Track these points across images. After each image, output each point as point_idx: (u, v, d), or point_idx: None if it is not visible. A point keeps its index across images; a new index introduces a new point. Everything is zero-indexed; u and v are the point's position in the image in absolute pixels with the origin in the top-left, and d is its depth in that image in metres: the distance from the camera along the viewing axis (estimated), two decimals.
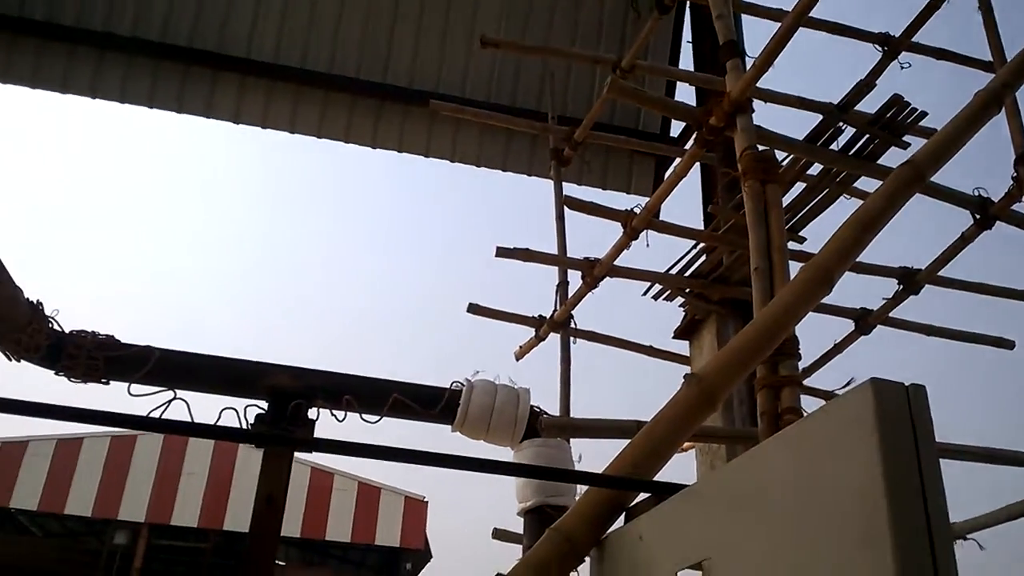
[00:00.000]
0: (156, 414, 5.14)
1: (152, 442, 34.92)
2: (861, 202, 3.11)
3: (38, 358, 4.72)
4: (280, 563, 37.91)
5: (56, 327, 4.90)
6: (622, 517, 2.54)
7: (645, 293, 6.25)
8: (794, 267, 3.45)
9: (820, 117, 5.09)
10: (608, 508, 2.47)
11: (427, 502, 36.54)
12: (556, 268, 6.38)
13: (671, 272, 6.07)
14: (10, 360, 4.64)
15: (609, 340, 6.55)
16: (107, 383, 5.11)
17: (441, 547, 38.63)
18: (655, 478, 2.53)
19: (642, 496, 2.56)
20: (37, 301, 4.80)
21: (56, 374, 4.94)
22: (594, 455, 5.25)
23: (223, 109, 8.56)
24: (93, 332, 5.10)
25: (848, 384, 5.48)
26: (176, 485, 34.42)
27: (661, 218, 5.90)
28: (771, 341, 2.61)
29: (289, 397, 5.13)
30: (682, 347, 6.75)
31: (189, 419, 5.21)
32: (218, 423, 5.24)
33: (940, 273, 5.79)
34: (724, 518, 2.08)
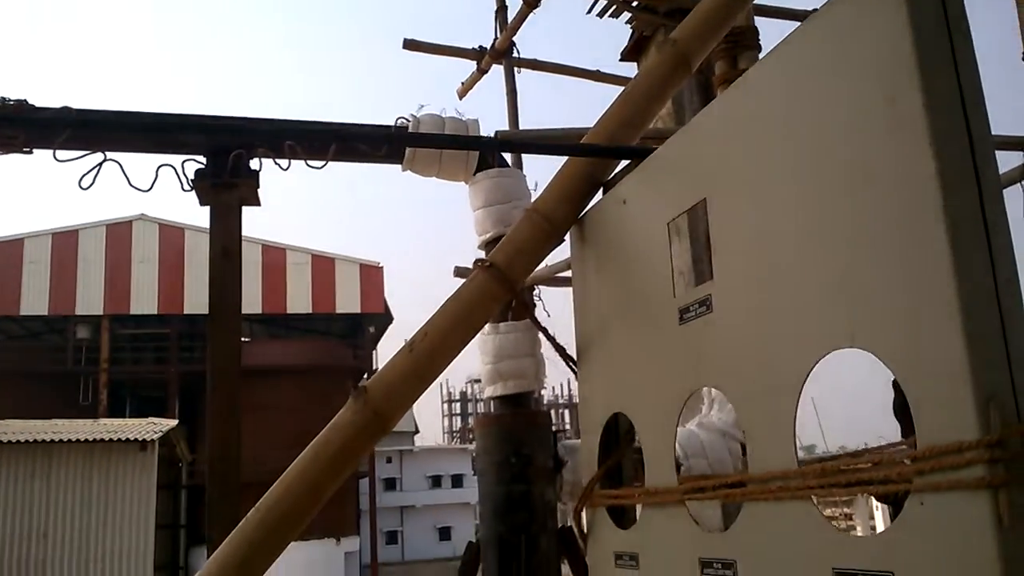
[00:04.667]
0: (87, 181, 4.87)
1: (95, 234, 34.28)
2: None
3: None
4: (245, 339, 38.96)
5: None
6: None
7: (590, 11, 5.90)
8: None
9: None
10: (585, 183, 2.39)
11: (382, 267, 37.20)
12: None
13: None
14: None
15: (554, 68, 6.27)
16: (29, 152, 4.78)
17: (401, 310, 39.88)
18: None
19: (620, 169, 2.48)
20: None
21: None
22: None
23: None
24: (3, 98, 4.68)
25: None
26: (129, 274, 34.25)
27: None
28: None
29: (228, 148, 4.86)
30: (631, 70, 6.51)
31: (126, 181, 4.96)
32: (155, 183, 5.00)
33: None
34: (717, 156, 2.01)
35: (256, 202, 5.23)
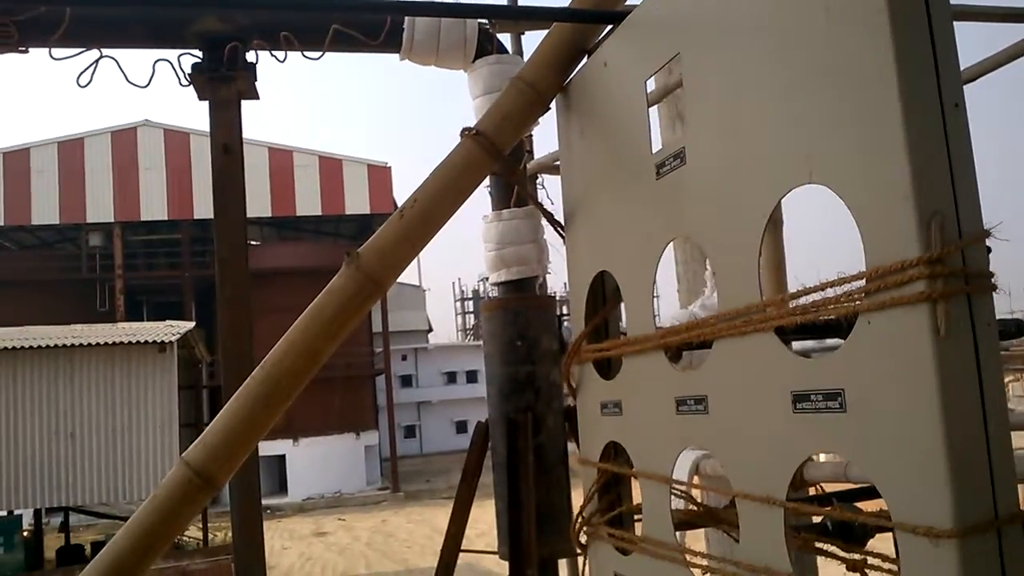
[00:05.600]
0: (84, 78, 4.90)
1: (101, 142, 34.16)
2: None
3: None
4: (254, 242, 39.25)
5: None
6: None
7: None
8: None
9: None
10: (570, 49, 2.43)
11: (390, 167, 37.03)
12: None
13: None
14: None
15: None
16: (25, 51, 4.79)
17: None
18: None
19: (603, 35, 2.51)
20: None
21: None
22: None
23: None
24: None
25: None
26: (136, 181, 34.29)
27: None
28: None
29: (223, 41, 4.85)
30: None
31: (123, 77, 4.98)
32: (152, 78, 5.03)
33: None
34: (691, 9, 2.04)
35: (255, 95, 5.24)
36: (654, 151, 2.22)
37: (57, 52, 4.76)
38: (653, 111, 3.78)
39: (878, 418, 1.52)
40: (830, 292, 1.66)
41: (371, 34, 5.18)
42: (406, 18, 5.14)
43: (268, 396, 2.28)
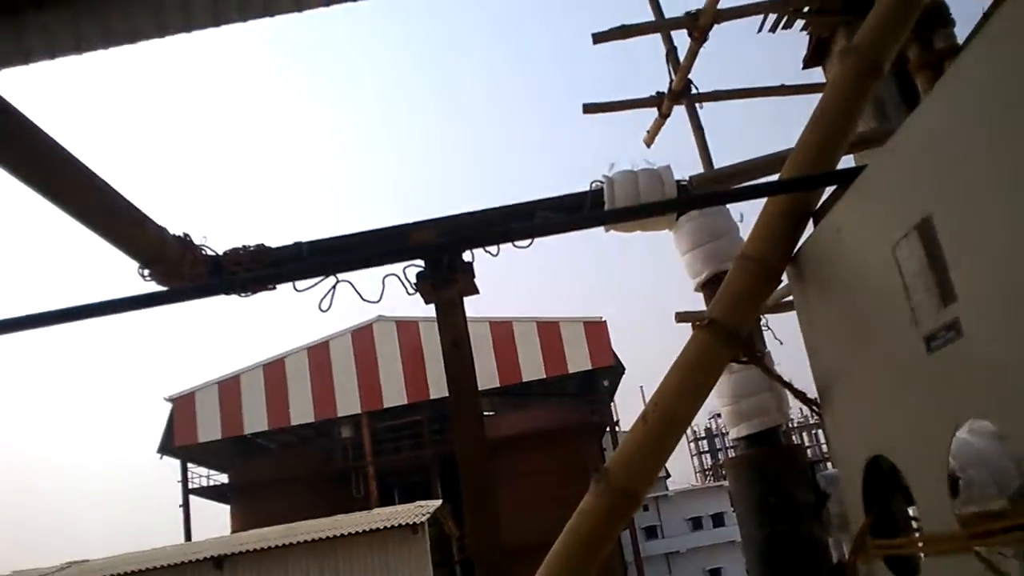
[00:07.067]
0: (326, 303, 5.34)
1: (343, 341, 37.37)
2: None
3: (205, 286, 4.95)
4: (489, 413, 40.36)
5: (210, 251, 5.10)
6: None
7: (760, 30, 5.75)
8: None
9: None
10: (793, 218, 2.28)
11: (605, 321, 37.42)
12: (659, 37, 5.95)
13: None
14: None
15: (735, 94, 6.14)
16: (273, 288, 5.33)
17: (631, 359, 39.68)
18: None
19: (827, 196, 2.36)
20: (184, 234, 4.98)
21: (226, 295, 5.17)
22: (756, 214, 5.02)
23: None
24: (244, 246, 5.27)
25: None
26: (376, 371, 36.91)
27: None
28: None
29: (440, 248, 5.15)
30: (815, 76, 6.24)
31: (358, 297, 5.36)
32: (383, 292, 5.38)
33: None
34: (934, 168, 1.84)
35: (474, 291, 5.48)
36: (917, 320, 1.97)
37: (299, 284, 5.25)
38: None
39: None
40: None
41: (575, 213, 5.32)
42: (605, 191, 5.25)
43: None
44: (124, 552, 24.72)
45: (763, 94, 6.16)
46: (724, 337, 2.24)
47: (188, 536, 35.90)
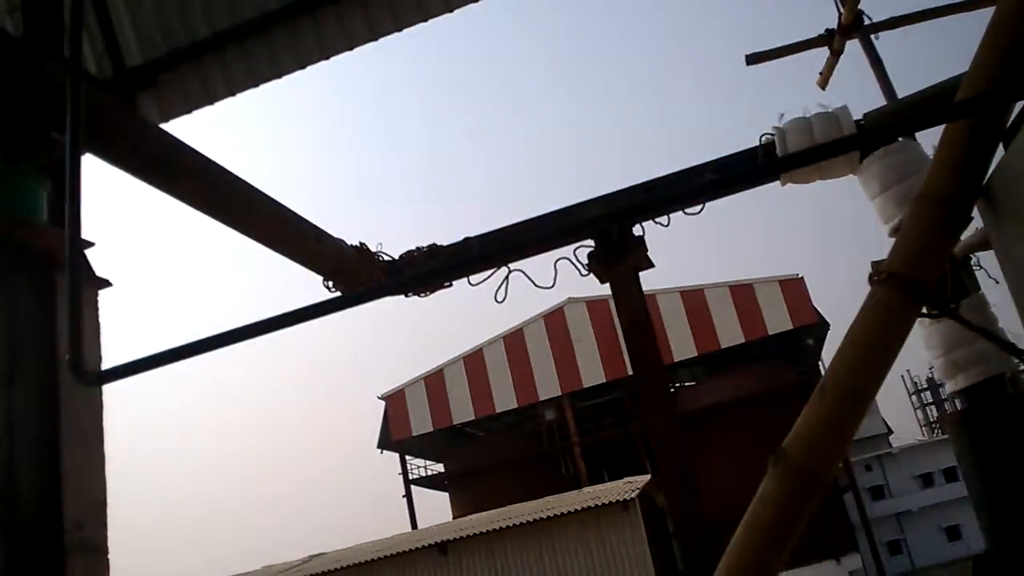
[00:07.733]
0: (501, 293, 5.39)
1: (537, 327, 38.01)
2: None
3: (383, 286, 5.13)
4: (689, 383, 39.67)
5: (386, 257, 5.28)
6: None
7: None
8: None
9: None
10: (978, 145, 1.99)
11: (802, 277, 35.64)
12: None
13: None
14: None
15: (913, 18, 5.59)
16: (450, 285, 5.45)
17: (835, 315, 37.51)
18: None
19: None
20: (360, 243, 5.19)
21: (406, 296, 5.34)
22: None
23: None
24: (417, 247, 5.42)
25: None
26: (572, 353, 37.21)
27: None
28: None
29: (608, 221, 5.02)
30: None
31: (531, 284, 5.37)
32: (556, 278, 5.36)
33: None
34: None
35: (649, 264, 5.33)
36: None
37: (473, 278, 5.33)
38: None
39: None
40: None
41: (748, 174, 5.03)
42: (776, 143, 4.94)
43: None
44: (357, 543, 26.54)
45: (945, 12, 5.57)
46: (907, 291, 1.97)
47: (414, 524, 37.93)
